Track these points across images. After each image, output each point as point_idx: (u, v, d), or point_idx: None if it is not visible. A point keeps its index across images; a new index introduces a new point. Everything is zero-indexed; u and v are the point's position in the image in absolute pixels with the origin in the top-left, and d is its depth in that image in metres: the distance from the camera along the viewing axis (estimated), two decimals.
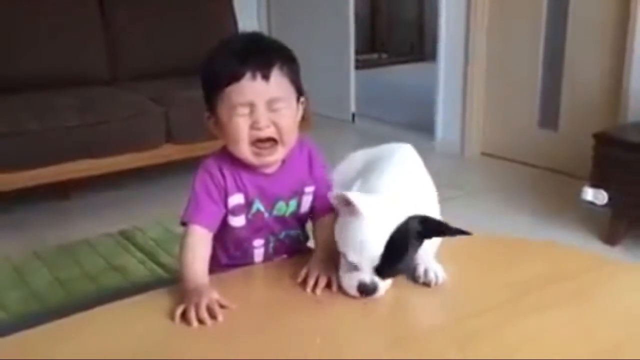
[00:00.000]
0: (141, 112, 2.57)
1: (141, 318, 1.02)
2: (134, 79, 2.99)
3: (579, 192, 2.29)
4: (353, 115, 4.21)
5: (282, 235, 1.22)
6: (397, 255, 1.02)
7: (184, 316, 0.97)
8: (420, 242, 1.06)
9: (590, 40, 2.90)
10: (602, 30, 2.84)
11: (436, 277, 1.08)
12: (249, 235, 1.19)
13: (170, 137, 2.66)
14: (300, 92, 1.16)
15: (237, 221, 1.17)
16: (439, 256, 1.14)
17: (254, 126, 1.08)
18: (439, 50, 3.54)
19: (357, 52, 4.26)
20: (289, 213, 1.20)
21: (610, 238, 2.28)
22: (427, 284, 1.07)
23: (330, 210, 1.18)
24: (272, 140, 1.10)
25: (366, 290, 1.03)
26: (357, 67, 4.26)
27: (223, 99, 1.09)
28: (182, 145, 2.67)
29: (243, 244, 1.20)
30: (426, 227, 1.04)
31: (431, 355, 0.90)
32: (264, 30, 4.54)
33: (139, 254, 2.13)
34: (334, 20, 4.18)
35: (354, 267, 1.03)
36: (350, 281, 1.04)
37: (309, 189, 1.20)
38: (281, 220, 1.20)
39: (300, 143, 1.20)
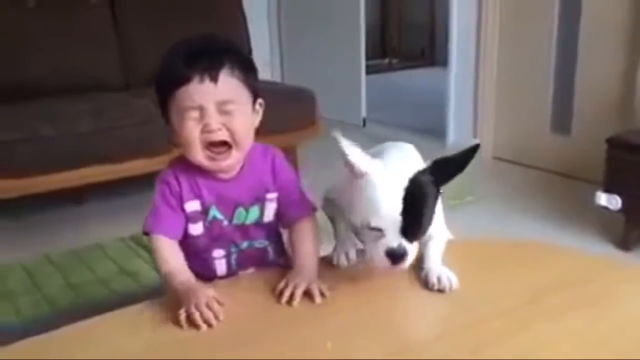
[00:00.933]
0: (154, 117, 2.58)
1: (152, 323, 1.02)
2: (146, 85, 2.99)
3: (592, 197, 2.27)
4: (364, 120, 4.21)
5: (245, 245, 1.18)
6: (418, 209, 1.00)
7: (189, 319, 0.96)
8: (438, 193, 1.04)
9: (603, 44, 2.88)
10: (615, 34, 2.82)
11: (450, 282, 1.07)
12: (208, 244, 1.16)
13: (177, 143, 2.67)
14: (255, 95, 1.13)
15: (195, 229, 1.14)
16: (449, 261, 1.13)
17: (204, 129, 1.05)
18: (450, 55, 3.53)
19: (367, 57, 4.25)
20: (250, 221, 1.16)
21: (624, 243, 2.26)
22: (441, 291, 1.06)
23: (305, 216, 1.16)
24: (226, 145, 1.07)
25: (395, 255, 1.00)
26: (367, 72, 4.26)
27: (174, 104, 1.07)
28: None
29: (203, 255, 1.17)
30: (437, 173, 1.03)
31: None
32: (275, 37, 4.55)
33: (150, 259, 2.14)
34: (344, 26, 4.18)
35: (379, 235, 1.00)
36: (377, 251, 1.00)
37: (272, 196, 1.16)
38: (242, 228, 1.16)
39: (264, 149, 1.18)
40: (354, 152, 1.03)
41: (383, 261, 1.00)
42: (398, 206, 0.98)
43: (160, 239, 1.11)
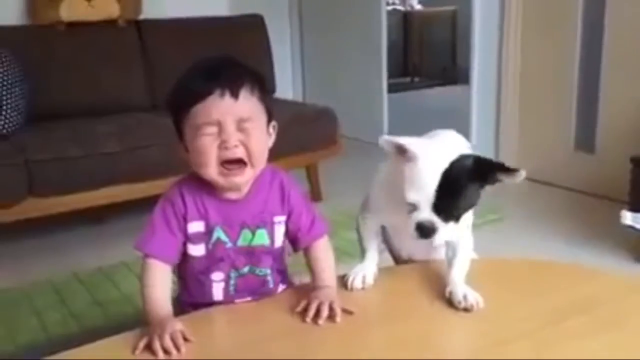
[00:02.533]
0: (178, 138, 2.63)
1: None
2: None
3: (617, 215, 2.24)
4: None
5: (246, 270, 1.14)
6: (452, 188, 1.03)
7: (149, 348, 0.96)
8: (478, 182, 1.07)
9: (627, 61, 2.86)
10: (639, 50, 2.80)
11: (476, 301, 1.07)
12: (208, 266, 1.13)
13: None
14: (270, 116, 1.12)
15: (197, 250, 1.11)
16: (473, 279, 1.13)
17: (222, 146, 1.03)
18: (472, 73, 3.53)
19: (389, 76, 4.27)
20: (256, 244, 1.13)
21: None
22: (467, 310, 1.06)
23: (320, 237, 1.17)
24: (241, 162, 1.05)
25: (423, 229, 1.04)
26: (389, 91, 4.27)
27: (189, 120, 1.05)
28: None
29: (200, 277, 1.14)
30: (479, 165, 1.07)
31: None
32: (297, 57, 4.61)
33: (174, 276, 2.16)
34: (366, 45, 4.21)
35: (413, 208, 1.04)
36: (410, 225, 1.05)
37: (279, 219, 1.14)
38: (247, 251, 1.13)
39: (272, 172, 1.16)
40: (407, 139, 1.07)
41: (413, 234, 1.04)
42: (434, 184, 1.02)
43: (153, 263, 1.08)
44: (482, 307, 1.07)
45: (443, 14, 6.99)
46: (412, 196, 1.04)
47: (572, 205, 2.97)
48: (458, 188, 1.04)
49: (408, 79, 6.91)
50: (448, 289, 1.10)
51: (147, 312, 1.05)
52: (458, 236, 1.18)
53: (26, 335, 1.85)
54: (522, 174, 1.07)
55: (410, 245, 1.31)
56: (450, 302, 1.09)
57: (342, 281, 1.18)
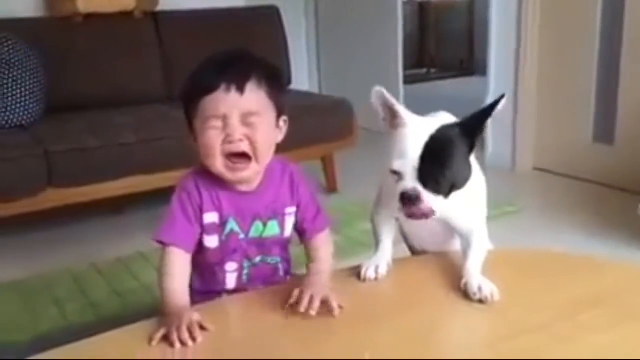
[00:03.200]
0: None
1: None
2: None
3: (634, 207, 2.22)
4: None
5: (258, 260, 1.17)
6: (436, 156, 1.02)
7: (166, 339, 0.96)
8: (464, 149, 1.06)
9: None
10: None
11: (491, 293, 1.06)
12: (222, 257, 1.15)
13: None
14: (281, 111, 1.13)
15: (211, 241, 1.13)
16: (489, 270, 1.13)
17: (226, 140, 1.05)
18: (490, 64, 3.50)
19: (405, 67, 4.25)
20: (267, 235, 1.16)
21: None
22: (482, 301, 1.06)
23: (321, 230, 1.18)
24: (246, 156, 1.07)
25: (407, 197, 1.03)
26: (405, 82, 4.26)
27: (198, 112, 1.07)
28: None
29: (214, 267, 1.16)
30: (466, 125, 1.06)
31: None
32: (313, 48, 4.60)
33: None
34: (382, 36, 4.19)
35: (398, 178, 1.04)
36: (395, 196, 1.04)
37: (290, 210, 1.17)
38: (258, 242, 1.16)
39: (283, 164, 1.18)
40: (400, 106, 1.08)
41: (399, 206, 1.03)
42: (417, 151, 1.02)
43: (174, 251, 1.09)
44: (498, 298, 1.06)
45: (460, 4, 6.94)
46: (396, 164, 1.03)
47: (589, 197, 2.94)
48: (443, 155, 1.03)
49: (424, 71, 6.88)
50: (463, 281, 1.10)
51: (165, 303, 1.06)
52: (471, 227, 1.18)
53: (46, 324, 1.88)
54: (503, 99, 1.06)
55: (424, 236, 1.30)
56: (465, 294, 1.08)
57: (356, 272, 1.17)
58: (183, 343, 0.95)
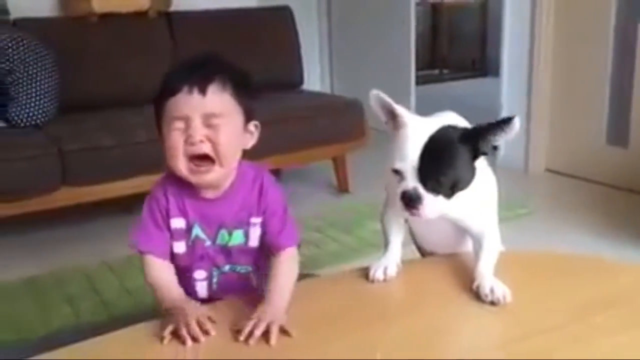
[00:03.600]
0: None
1: None
2: None
3: None
4: None
5: (227, 268, 1.16)
6: (436, 155, 1.02)
7: (176, 334, 0.96)
8: (467, 151, 1.05)
9: None
10: None
11: (504, 294, 1.06)
12: (191, 264, 1.15)
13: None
14: (250, 116, 1.11)
15: (179, 247, 1.13)
16: (501, 272, 1.12)
17: (188, 141, 1.04)
18: (502, 65, 3.48)
19: (417, 68, 4.24)
20: (233, 244, 1.13)
21: None
22: (494, 303, 1.05)
23: (284, 248, 1.12)
24: (209, 159, 1.05)
25: (407, 197, 1.02)
26: (417, 83, 4.25)
27: (163, 114, 1.08)
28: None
29: (185, 275, 1.15)
30: (466, 131, 1.06)
31: None
32: (325, 47, 4.60)
33: None
34: (394, 36, 4.19)
35: (400, 178, 1.04)
36: (396, 196, 1.04)
37: (256, 220, 1.13)
38: (225, 251, 1.14)
39: (257, 171, 1.14)
40: (402, 108, 1.09)
41: (400, 206, 1.03)
42: (417, 151, 1.02)
43: (151, 259, 1.11)
44: (510, 300, 1.06)
45: (472, 4, 6.91)
46: (397, 164, 1.03)
47: (603, 200, 2.92)
48: (443, 155, 1.03)
49: (436, 71, 6.85)
50: (475, 283, 1.09)
51: (161, 300, 1.07)
52: (483, 228, 1.17)
53: (59, 321, 1.90)
54: (516, 122, 1.04)
55: (434, 237, 1.30)
56: (477, 295, 1.08)
57: (365, 273, 1.17)
58: (195, 339, 0.95)
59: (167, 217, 1.12)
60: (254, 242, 1.14)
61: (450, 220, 1.16)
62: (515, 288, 1.08)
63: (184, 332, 0.96)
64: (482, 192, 1.16)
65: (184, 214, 1.12)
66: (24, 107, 2.58)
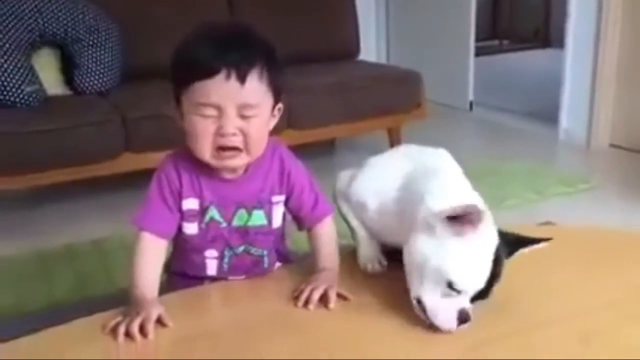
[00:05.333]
0: None
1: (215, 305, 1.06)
2: None
3: None
4: (471, 104, 4.12)
5: (241, 250, 1.09)
6: (497, 274, 0.91)
7: (112, 329, 0.92)
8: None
9: None
10: None
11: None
12: (202, 245, 1.08)
13: (290, 124, 2.77)
14: (277, 99, 1.02)
15: (190, 228, 1.06)
16: (558, 249, 1.10)
17: (219, 131, 0.96)
18: (567, 35, 3.35)
19: (477, 39, 4.14)
20: (252, 224, 1.07)
21: None
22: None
23: (323, 218, 1.10)
24: (236, 149, 0.98)
25: (465, 317, 0.90)
26: (476, 54, 4.14)
27: (188, 94, 0.97)
28: (302, 131, 2.78)
29: (193, 253, 1.10)
30: (509, 243, 0.95)
31: (553, 345, 0.90)
32: (382, 16, 4.53)
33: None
34: (454, 5, 4.08)
35: (455, 294, 0.90)
36: (448, 310, 0.90)
37: (278, 198, 1.08)
38: (242, 232, 1.07)
39: (273, 148, 1.07)
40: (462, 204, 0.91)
41: (451, 322, 0.89)
42: (484, 273, 0.90)
43: (147, 237, 1.02)
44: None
45: None
46: (461, 284, 0.89)
47: None
48: (500, 271, 0.91)
49: (496, 42, 6.65)
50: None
51: (132, 290, 1.01)
52: None
53: (125, 281, 1.98)
54: (544, 244, 0.95)
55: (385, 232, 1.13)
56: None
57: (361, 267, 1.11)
58: (129, 336, 0.90)
59: (178, 198, 1.04)
60: (276, 222, 1.09)
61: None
62: (573, 264, 1.07)
63: (121, 328, 0.91)
64: None
65: (198, 194, 1.04)
66: (88, 74, 2.68)
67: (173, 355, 0.91)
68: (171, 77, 1.02)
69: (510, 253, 0.95)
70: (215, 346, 0.92)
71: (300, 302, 0.97)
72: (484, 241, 0.91)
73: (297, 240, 1.23)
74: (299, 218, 1.11)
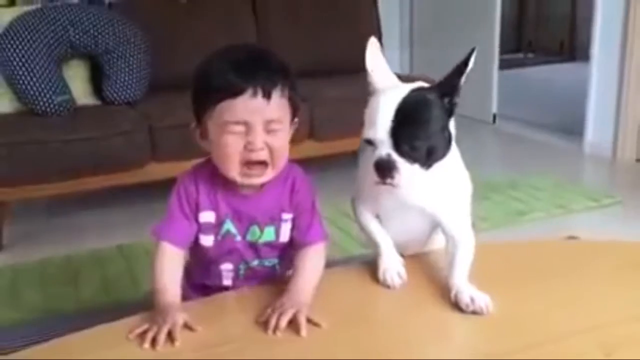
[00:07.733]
0: None
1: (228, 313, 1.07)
2: None
3: None
4: (494, 116, 4.10)
5: (255, 263, 1.14)
6: (409, 119, 0.95)
7: (141, 335, 0.94)
8: (441, 113, 1.00)
9: None
10: None
11: (486, 304, 0.99)
12: (218, 257, 1.12)
13: (312, 135, 2.79)
14: (295, 113, 1.08)
15: (206, 240, 1.10)
16: (583, 263, 1.10)
17: (247, 147, 1.00)
18: (593, 48, 3.34)
19: (501, 52, 4.13)
20: (263, 241, 1.11)
21: None
22: (476, 312, 0.99)
23: (312, 243, 1.11)
24: (263, 164, 1.03)
25: (381, 166, 0.95)
26: (500, 67, 4.14)
27: (213, 113, 1.01)
28: (324, 143, 2.79)
29: (211, 266, 1.14)
30: (444, 86, 1.03)
31: (576, 357, 0.90)
32: (406, 31, 4.55)
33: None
34: (479, 19, 4.09)
35: (372, 147, 0.97)
36: (370, 166, 0.97)
37: (287, 216, 1.11)
38: (254, 247, 1.12)
39: (289, 168, 1.11)
40: (378, 67, 1.03)
41: (372, 175, 0.95)
42: (389, 116, 0.95)
43: (165, 246, 1.07)
44: (492, 309, 0.98)
45: None
46: (369, 133, 0.96)
47: None
48: (417, 118, 0.96)
49: (521, 55, 6.63)
50: (453, 293, 1.02)
51: (154, 300, 1.03)
52: (460, 227, 1.09)
53: (148, 286, 2.02)
54: (473, 53, 1.03)
55: (404, 236, 1.16)
56: (456, 306, 1.01)
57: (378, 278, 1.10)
58: (155, 343, 0.92)
59: (196, 210, 1.08)
60: (284, 237, 1.13)
61: (425, 216, 1.09)
62: (597, 278, 1.07)
63: (149, 335, 0.93)
64: (457, 183, 1.10)
65: (215, 207, 1.08)
66: (118, 85, 2.73)
67: None
68: (193, 100, 1.07)
69: (450, 93, 1.03)
70: (238, 353, 0.93)
71: (270, 330, 0.95)
72: (385, 98, 0.98)
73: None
74: (294, 237, 1.13)
